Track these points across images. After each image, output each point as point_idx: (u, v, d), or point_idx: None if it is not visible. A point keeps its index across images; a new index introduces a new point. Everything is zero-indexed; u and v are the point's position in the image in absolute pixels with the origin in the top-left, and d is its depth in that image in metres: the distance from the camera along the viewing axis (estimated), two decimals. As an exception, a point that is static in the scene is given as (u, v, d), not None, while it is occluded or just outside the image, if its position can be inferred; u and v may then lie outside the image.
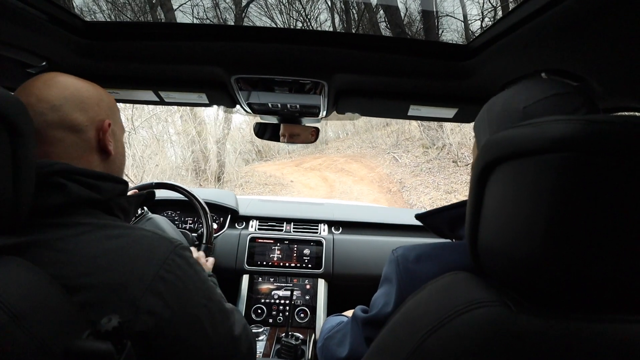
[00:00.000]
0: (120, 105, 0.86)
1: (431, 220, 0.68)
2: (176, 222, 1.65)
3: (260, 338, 1.34)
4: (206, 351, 0.58)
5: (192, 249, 1.08)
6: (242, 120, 12.20)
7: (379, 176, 8.44)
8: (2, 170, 0.43)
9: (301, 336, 1.27)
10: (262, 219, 1.70)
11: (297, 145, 12.80)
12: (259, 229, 1.65)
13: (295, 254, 1.57)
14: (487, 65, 0.75)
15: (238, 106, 1.08)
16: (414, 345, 0.41)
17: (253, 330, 1.09)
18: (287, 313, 1.49)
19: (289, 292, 1.50)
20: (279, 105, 1.04)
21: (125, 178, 0.66)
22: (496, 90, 0.80)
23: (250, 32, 0.78)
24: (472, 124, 0.74)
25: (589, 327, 0.35)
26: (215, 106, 1.10)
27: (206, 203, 1.36)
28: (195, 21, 1.73)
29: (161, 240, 0.56)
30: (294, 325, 1.47)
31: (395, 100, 0.95)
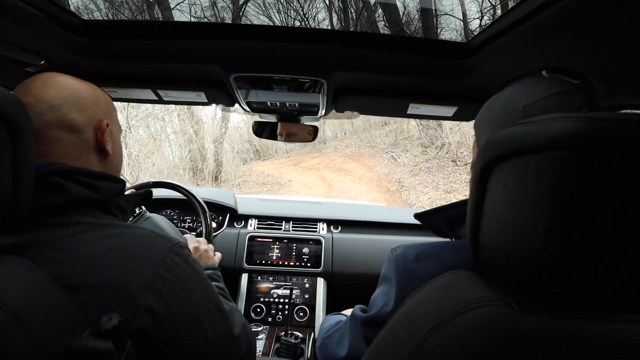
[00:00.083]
0: (116, 104, 0.86)
1: (430, 220, 0.68)
2: (175, 221, 1.65)
3: (259, 337, 1.34)
4: (205, 350, 0.58)
5: (190, 237, 1.07)
6: (240, 119, 12.20)
7: (377, 175, 8.45)
8: (2, 170, 0.43)
9: (300, 335, 1.27)
10: (261, 218, 1.70)
11: (295, 145, 12.79)
12: (258, 228, 1.65)
13: (294, 253, 1.57)
14: (487, 63, 0.75)
15: (236, 105, 1.08)
16: (414, 345, 0.41)
17: (252, 329, 1.09)
18: (286, 312, 1.49)
19: (287, 291, 1.50)
20: (278, 103, 1.04)
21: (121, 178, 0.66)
22: (496, 89, 0.80)
23: (250, 31, 0.78)
24: (471, 123, 0.74)
25: (591, 327, 0.35)
26: (213, 105, 1.09)
27: (205, 202, 1.36)
28: (194, 20, 1.72)
29: (159, 238, 0.56)
30: (293, 324, 1.47)
31: (395, 98, 0.95)
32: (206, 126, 9.65)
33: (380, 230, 1.70)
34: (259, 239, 1.60)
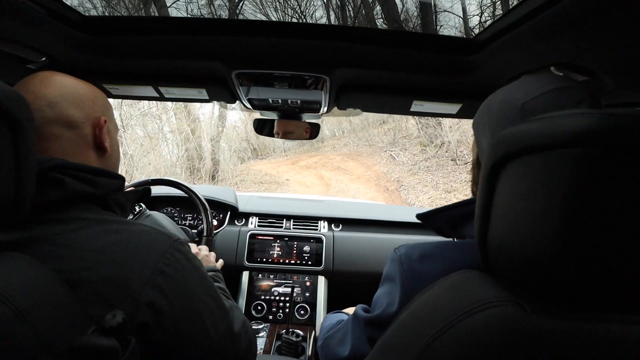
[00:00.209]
0: (111, 102, 0.85)
1: (433, 220, 0.68)
2: (176, 219, 1.64)
3: (260, 334, 1.34)
4: (205, 346, 0.58)
5: (192, 245, 1.07)
6: (237, 118, 12.18)
7: (376, 175, 8.45)
8: (5, 166, 0.43)
9: (301, 333, 1.26)
10: (262, 216, 1.69)
11: (293, 144, 12.79)
12: (258, 226, 1.65)
13: (295, 251, 1.57)
14: (493, 59, 0.74)
15: (237, 102, 1.07)
16: (422, 346, 0.40)
17: (253, 327, 1.08)
18: (287, 310, 1.49)
19: (288, 289, 1.50)
20: (280, 100, 1.03)
21: None
22: (502, 85, 0.80)
23: (253, 27, 0.77)
24: (472, 121, 0.74)
25: (606, 328, 0.34)
26: (209, 103, 1.09)
27: (205, 199, 1.35)
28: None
29: (159, 235, 0.57)
30: (294, 322, 1.47)
31: (398, 95, 0.95)
32: (203, 125, 9.62)
33: (381, 228, 1.70)
34: (259, 237, 1.59)
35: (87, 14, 0.76)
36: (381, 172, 8.45)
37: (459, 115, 1.02)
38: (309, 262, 1.55)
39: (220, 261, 1.12)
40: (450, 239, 0.67)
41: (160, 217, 1.18)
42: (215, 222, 1.61)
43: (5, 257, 0.43)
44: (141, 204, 1.23)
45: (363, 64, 0.83)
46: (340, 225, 1.69)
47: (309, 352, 1.28)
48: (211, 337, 0.59)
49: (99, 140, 0.61)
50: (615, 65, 0.59)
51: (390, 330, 0.50)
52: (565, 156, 0.33)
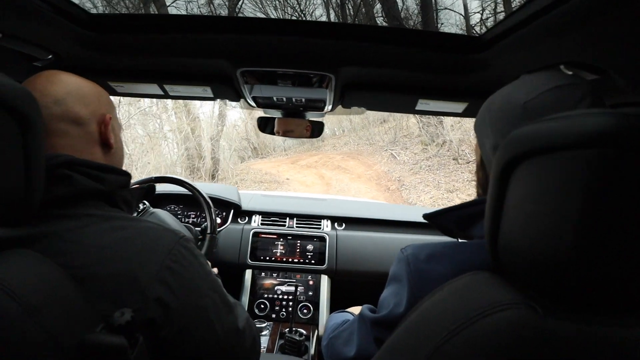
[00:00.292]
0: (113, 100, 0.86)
1: (440, 220, 0.67)
2: (179, 217, 1.65)
3: (263, 333, 1.34)
4: (212, 343, 0.59)
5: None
6: (238, 117, 12.16)
7: (376, 174, 8.43)
8: (14, 162, 0.43)
9: (305, 332, 1.26)
10: (265, 214, 1.69)
11: (294, 143, 12.78)
12: (261, 224, 1.65)
13: (298, 250, 1.57)
14: (501, 57, 0.74)
15: (241, 100, 1.07)
16: (432, 348, 0.40)
17: (256, 326, 1.08)
18: (290, 309, 1.49)
19: (292, 288, 1.50)
20: (284, 99, 1.03)
21: None
22: None
23: (258, 25, 0.77)
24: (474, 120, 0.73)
25: (620, 332, 0.34)
26: (209, 102, 1.09)
27: (209, 197, 1.35)
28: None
29: (166, 231, 0.57)
30: (297, 321, 1.47)
31: (404, 94, 0.94)
32: (203, 124, 9.61)
33: (385, 228, 1.69)
34: (262, 235, 1.59)
35: (93, 12, 0.76)
36: (382, 172, 8.43)
37: (465, 114, 1.01)
38: (312, 261, 1.55)
39: (215, 269, 1.13)
40: (456, 240, 0.66)
41: (163, 215, 1.18)
42: (218, 220, 1.61)
43: (15, 254, 0.44)
44: (145, 201, 1.23)
45: (369, 62, 0.83)
46: (344, 224, 1.69)
47: (312, 351, 1.28)
48: (217, 333, 0.59)
49: (104, 137, 0.62)
50: (626, 64, 0.58)
51: (398, 332, 0.50)
52: (581, 157, 0.32)
